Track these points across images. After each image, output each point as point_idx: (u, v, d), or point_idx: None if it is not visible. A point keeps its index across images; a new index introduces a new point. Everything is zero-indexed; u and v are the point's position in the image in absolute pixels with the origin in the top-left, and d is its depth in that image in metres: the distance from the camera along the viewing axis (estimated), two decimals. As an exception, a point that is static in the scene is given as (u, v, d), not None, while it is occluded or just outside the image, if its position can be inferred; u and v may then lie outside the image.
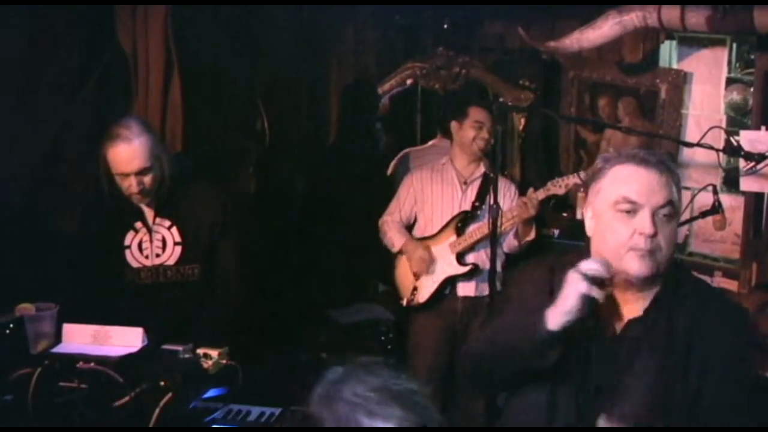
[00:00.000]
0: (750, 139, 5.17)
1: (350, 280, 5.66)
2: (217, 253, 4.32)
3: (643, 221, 2.53)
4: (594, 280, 2.47)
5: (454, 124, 5.51)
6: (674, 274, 2.68)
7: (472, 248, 5.39)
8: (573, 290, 2.47)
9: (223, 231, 4.32)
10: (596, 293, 2.46)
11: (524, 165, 6.31)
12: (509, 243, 5.33)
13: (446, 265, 5.40)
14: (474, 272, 5.38)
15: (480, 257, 5.39)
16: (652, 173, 2.56)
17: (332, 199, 5.98)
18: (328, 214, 5.79)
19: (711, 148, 4.90)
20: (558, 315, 2.50)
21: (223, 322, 4.21)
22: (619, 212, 2.58)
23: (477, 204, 5.40)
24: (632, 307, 2.66)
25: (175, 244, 4.28)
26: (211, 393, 3.65)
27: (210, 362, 3.61)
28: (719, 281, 5.83)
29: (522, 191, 5.36)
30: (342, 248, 6.06)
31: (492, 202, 4.60)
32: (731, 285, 5.78)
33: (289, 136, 6.16)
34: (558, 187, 5.18)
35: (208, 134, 5.39)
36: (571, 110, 6.49)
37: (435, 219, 5.47)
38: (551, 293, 2.63)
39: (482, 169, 5.48)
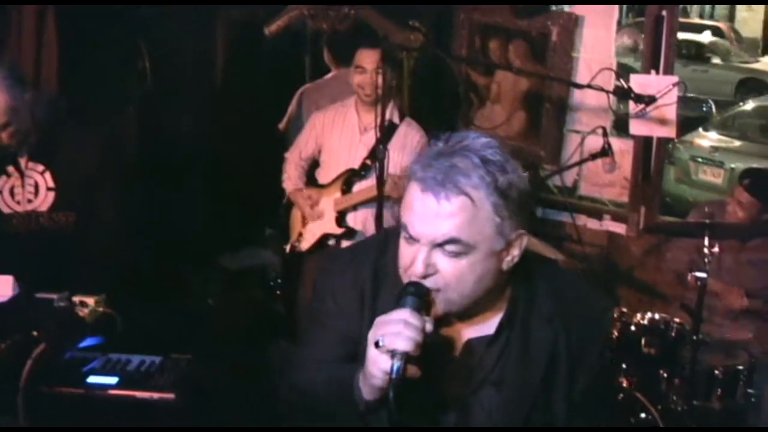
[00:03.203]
0: (640, 83, 5.18)
1: (238, 224, 5.51)
2: (94, 198, 4.15)
3: (417, 258, 2.03)
4: (402, 355, 1.94)
5: (347, 70, 5.29)
6: (526, 287, 2.21)
7: (354, 208, 5.13)
8: (376, 369, 1.97)
9: (101, 176, 4.16)
10: (409, 371, 1.96)
11: (413, 109, 6.20)
12: None
13: (327, 221, 5.17)
14: (350, 235, 5.09)
15: (364, 219, 5.14)
16: (430, 200, 1.99)
17: (219, 142, 5.81)
18: (215, 157, 5.63)
19: (601, 89, 4.90)
20: (369, 388, 2.03)
21: (102, 270, 4.07)
22: (403, 237, 2.10)
23: (368, 162, 5.09)
24: (477, 327, 2.21)
25: (48, 189, 4.11)
26: (88, 342, 3.53)
27: (86, 310, 3.50)
28: (608, 225, 5.91)
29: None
30: (229, 192, 5.88)
31: (378, 140, 4.32)
32: (620, 228, 5.87)
33: (174, 77, 5.97)
34: None
35: (86, 75, 5.17)
36: (461, 53, 6.45)
37: (332, 166, 5.23)
38: (370, 318, 2.14)
39: (386, 116, 5.03)
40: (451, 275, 2.03)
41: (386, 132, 4.96)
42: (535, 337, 2.18)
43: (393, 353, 1.93)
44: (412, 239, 2.04)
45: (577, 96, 5.89)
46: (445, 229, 1.99)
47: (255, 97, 6.18)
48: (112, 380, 3.40)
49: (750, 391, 4.57)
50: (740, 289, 4.98)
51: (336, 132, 5.22)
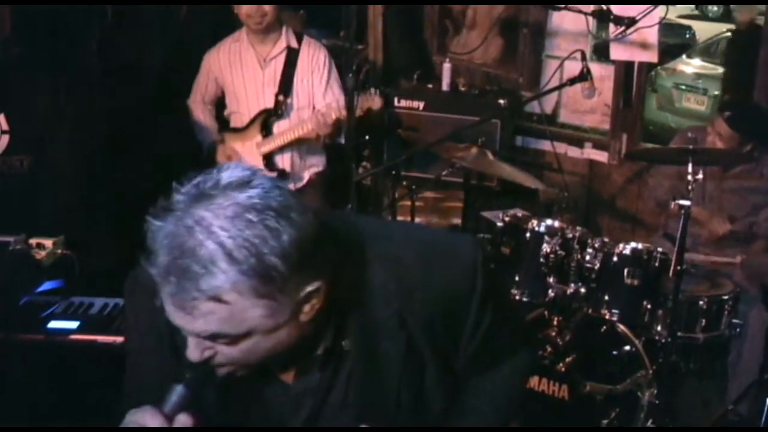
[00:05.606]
0: (620, 6, 5.03)
1: (201, 161, 5.34)
2: (50, 140, 4.05)
3: (189, 345, 1.66)
4: None
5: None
6: (356, 302, 1.81)
7: (281, 150, 4.93)
8: None
9: (57, 118, 4.05)
10: None
11: (387, 36, 6.02)
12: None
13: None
14: (282, 177, 4.83)
15: (291, 161, 4.97)
16: (178, 312, 1.59)
17: (184, 76, 5.62)
18: (180, 92, 5.44)
19: (579, 11, 4.78)
20: None
21: (60, 213, 3.99)
22: None
23: (280, 99, 4.85)
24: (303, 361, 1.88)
25: (2, 132, 4.03)
26: (46, 286, 3.43)
27: (44, 253, 3.46)
28: (589, 152, 5.79)
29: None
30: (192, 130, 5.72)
31: None
32: (601, 156, 5.76)
33: (137, 11, 5.77)
34: (359, 107, 4.61)
35: (42, 14, 4.96)
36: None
37: (242, 106, 4.98)
38: (172, 350, 1.82)
39: (283, 43, 4.86)
40: (236, 356, 1.68)
41: (289, 59, 4.83)
42: (383, 350, 1.84)
43: None
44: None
45: (556, 20, 5.74)
46: (203, 327, 1.60)
47: (221, 29, 6.00)
48: (73, 325, 3.33)
49: (734, 321, 4.47)
50: (723, 215, 4.87)
51: (236, 71, 4.95)
